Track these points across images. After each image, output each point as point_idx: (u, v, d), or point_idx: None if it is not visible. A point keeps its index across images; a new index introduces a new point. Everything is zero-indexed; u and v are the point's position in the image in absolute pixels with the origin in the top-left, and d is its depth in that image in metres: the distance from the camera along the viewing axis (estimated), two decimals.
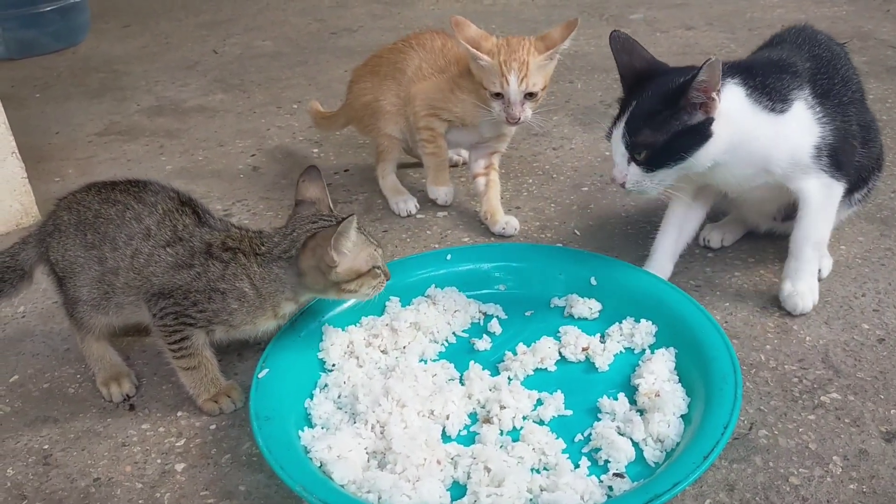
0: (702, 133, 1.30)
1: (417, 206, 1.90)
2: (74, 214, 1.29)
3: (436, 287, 1.48)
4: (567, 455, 1.13)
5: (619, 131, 1.35)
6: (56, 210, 1.33)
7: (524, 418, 1.21)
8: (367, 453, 1.14)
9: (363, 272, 1.25)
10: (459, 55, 1.79)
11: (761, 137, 1.33)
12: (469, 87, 1.76)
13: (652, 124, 1.30)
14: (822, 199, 1.39)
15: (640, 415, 1.19)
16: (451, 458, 1.13)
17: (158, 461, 1.19)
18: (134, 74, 3.10)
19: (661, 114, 1.30)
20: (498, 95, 1.67)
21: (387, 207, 1.90)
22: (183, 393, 1.30)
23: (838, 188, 1.40)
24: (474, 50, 1.65)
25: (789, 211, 1.48)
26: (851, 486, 1.08)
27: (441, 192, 1.88)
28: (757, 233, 1.65)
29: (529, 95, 1.67)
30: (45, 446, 1.24)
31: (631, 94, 1.36)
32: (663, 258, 1.52)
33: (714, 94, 1.28)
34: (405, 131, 1.89)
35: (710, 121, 1.29)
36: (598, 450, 1.14)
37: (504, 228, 1.77)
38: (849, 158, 1.41)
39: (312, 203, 1.32)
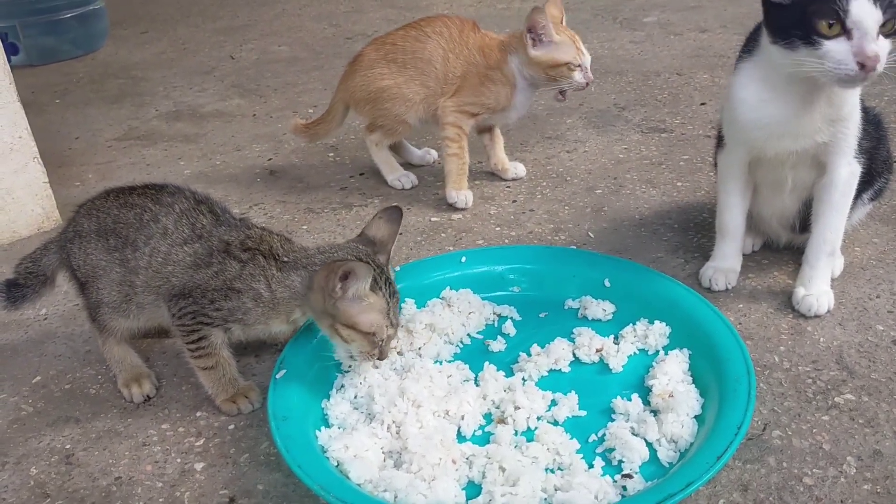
0: None
1: (415, 181, 2.03)
2: (94, 221, 1.31)
3: (451, 289, 1.49)
4: (581, 455, 1.14)
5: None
6: (76, 217, 1.35)
7: (538, 419, 1.22)
8: (383, 453, 1.16)
9: (361, 330, 1.20)
10: (483, 44, 1.86)
11: None
12: (501, 80, 1.84)
13: None
14: (845, 184, 1.39)
15: (654, 415, 1.19)
16: (467, 458, 1.14)
17: (178, 460, 1.21)
18: (152, 80, 3.14)
19: None
20: (574, 66, 1.79)
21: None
22: (202, 394, 1.32)
23: (858, 172, 1.40)
24: (550, 33, 1.77)
25: (805, 215, 1.48)
26: (865, 487, 1.08)
27: (461, 196, 1.91)
28: (776, 247, 1.65)
29: None
30: (68, 446, 1.26)
31: None
32: (736, 251, 1.54)
33: None
34: (423, 120, 1.94)
35: None
36: (612, 450, 1.15)
37: (516, 174, 2.05)
38: (864, 142, 1.41)
39: (373, 242, 1.28)
